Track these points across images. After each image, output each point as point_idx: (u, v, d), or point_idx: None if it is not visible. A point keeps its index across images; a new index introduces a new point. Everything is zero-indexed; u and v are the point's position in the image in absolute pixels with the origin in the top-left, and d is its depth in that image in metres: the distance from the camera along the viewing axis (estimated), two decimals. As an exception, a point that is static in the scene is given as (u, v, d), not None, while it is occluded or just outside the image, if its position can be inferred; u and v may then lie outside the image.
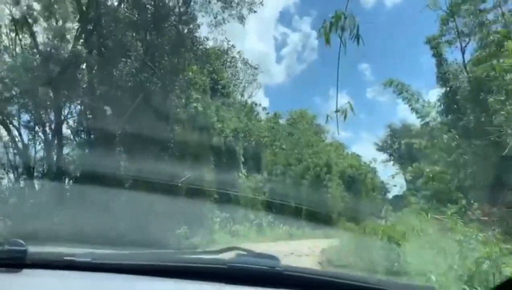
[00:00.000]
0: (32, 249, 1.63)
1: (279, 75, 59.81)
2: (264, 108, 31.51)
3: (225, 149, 19.58)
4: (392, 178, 66.26)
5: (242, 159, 21.07)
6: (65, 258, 1.63)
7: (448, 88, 17.29)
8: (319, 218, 29.65)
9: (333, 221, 33.15)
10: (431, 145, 18.97)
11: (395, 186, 67.64)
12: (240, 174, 20.70)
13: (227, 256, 1.64)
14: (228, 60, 27.87)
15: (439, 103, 17.55)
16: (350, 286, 1.54)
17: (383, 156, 64.25)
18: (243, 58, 31.16)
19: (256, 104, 30.09)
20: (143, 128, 15.37)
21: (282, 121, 34.22)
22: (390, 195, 69.70)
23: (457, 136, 14.82)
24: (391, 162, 69.96)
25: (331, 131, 40.40)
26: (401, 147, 74.47)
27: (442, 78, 17.74)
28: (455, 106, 16.77)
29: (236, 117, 21.86)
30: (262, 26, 50.08)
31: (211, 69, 21.69)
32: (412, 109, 19.30)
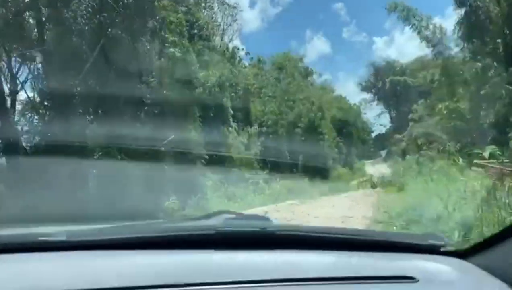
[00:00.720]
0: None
1: (253, 20, 56.27)
2: (248, 53, 28.40)
3: (211, 101, 16.82)
4: (378, 117, 65.72)
5: (231, 111, 18.37)
6: (39, 239, 1.47)
7: (468, 8, 14.48)
8: (316, 168, 27.74)
9: (331, 171, 31.37)
10: (447, 77, 16.55)
11: (381, 125, 67.43)
12: (230, 129, 18.10)
13: (215, 221, 1.55)
14: (203, -1, 24.37)
15: (458, 27, 14.80)
16: (346, 240, 1.50)
17: (367, 96, 62.99)
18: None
19: (238, 49, 26.97)
20: (110, 82, 12.49)
21: (267, 67, 31.32)
22: (377, 136, 69.82)
23: (488, 64, 12.34)
24: (375, 102, 68.94)
25: (317, 73, 37.84)
26: (385, 85, 73.00)
27: None
28: (478, 31, 14.12)
29: (221, 63, 18.89)
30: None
31: (184, 9, 18.39)
32: (421, 37, 16.77)
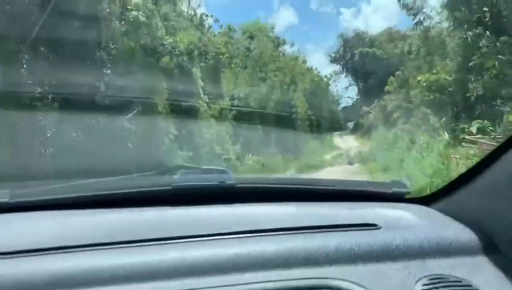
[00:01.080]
0: None
1: None
2: (217, 20, 26.76)
3: (179, 71, 15.44)
4: (346, 90, 66.02)
5: (201, 83, 17.05)
6: None
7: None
8: (289, 142, 27.00)
9: (303, 144, 30.72)
10: (428, 48, 15.78)
11: (349, 98, 67.87)
12: (200, 102, 16.83)
13: (172, 176, 1.62)
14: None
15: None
16: (307, 191, 1.50)
17: (336, 68, 62.96)
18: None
19: (207, 16, 25.29)
20: (63, 49, 10.98)
21: (236, 36, 29.79)
22: (344, 108, 70.34)
23: (477, 33, 11.55)
24: (344, 74, 69.04)
25: (289, 43, 36.62)
26: (354, 57, 72.79)
27: None
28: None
29: (189, 30, 17.38)
30: None
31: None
32: (401, 5, 15.86)
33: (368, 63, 65.67)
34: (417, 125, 15.76)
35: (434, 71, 16.20)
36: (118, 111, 11.82)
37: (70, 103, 10.56)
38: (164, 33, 13.22)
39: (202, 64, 18.57)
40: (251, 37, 29.52)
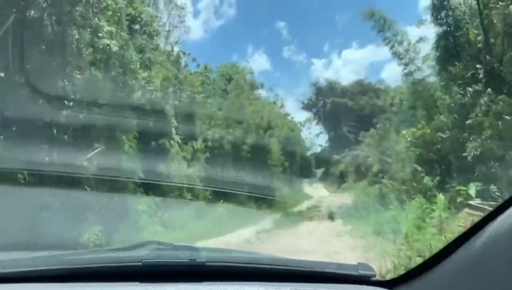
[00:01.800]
0: None
1: (196, 30, 54.52)
2: (194, 59, 25.90)
3: (151, 108, 14.16)
4: (317, 137, 66.39)
5: (174, 122, 15.76)
6: None
7: (445, 28, 13.14)
8: (262, 189, 25.67)
9: (276, 191, 29.49)
10: (416, 101, 15.18)
11: (320, 145, 68.25)
12: (171, 143, 15.46)
13: (142, 252, 1.51)
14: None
15: (434, 48, 13.40)
16: (276, 271, 1.49)
17: (308, 115, 63.69)
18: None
19: (184, 53, 24.40)
20: (21, 78, 9.58)
21: (213, 77, 28.98)
22: (312, 155, 70.48)
23: (476, 91, 10.92)
24: (315, 121, 69.74)
25: (266, 88, 36.20)
26: (326, 106, 73.92)
27: (436, 8, 13.32)
28: (456, 54, 12.80)
29: (165, 65, 16.24)
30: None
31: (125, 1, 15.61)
32: (393, 52, 15.41)
33: (340, 113, 66.75)
34: (403, 182, 14.87)
35: (420, 125, 15.58)
36: (78, 149, 10.31)
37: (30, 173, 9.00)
38: (138, 66, 11.98)
39: (176, 102, 17.36)
40: (228, 79, 28.79)
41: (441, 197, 10.20)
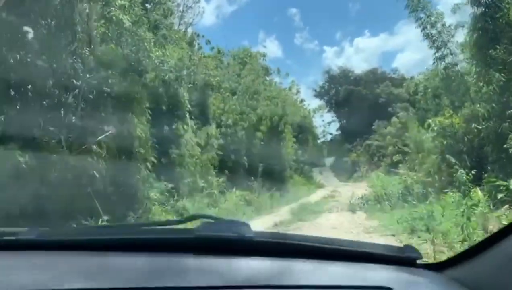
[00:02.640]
0: None
1: (208, 16, 53.83)
2: (208, 41, 25.01)
3: (165, 90, 13.40)
4: (329, 125, 65.47)
5: (188, 106, 14.98)
6: (5, 238, 1.43)
7: (482, 8, 12.06)
8: (275, 176, 24.96)
9: (289, 179, 28.75)
10: (444, 87, 14.20)
11: (330, 134, 67.43)
12: (185, 127, 14.70)
13: (194, 225, 1.47)
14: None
15: (471, 28, 12.31)
16: (323, 249, 1.49)
17: (320, 102, 63.05)
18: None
19: (198, 35, 23.52)
20: (28, 53, 8.84)
21: (226, 61, 28.09)
22: (323, 143, 69.78)
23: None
24: (326, 109, 68.83)
25: (282, 73, 35.14)
26: (339, 94, 72.63)
27: None
28: (494, 34, 11.74)
29: (180, 44, 15.39)
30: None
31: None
32: (425, 34, 14.36)
33: (353, 101, 65.50)
34: (429, 174, 13.97)
35: (447, 114, 14.65)
36: (87, 132, 9.60)
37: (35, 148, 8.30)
38: (152, 44, 11.17)
39: (190, 85, 16.56)
40: (242, 64, 27.89)
41: (478, 192, 9.35)
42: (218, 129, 19.09)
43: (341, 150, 66.02)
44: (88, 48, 9.97)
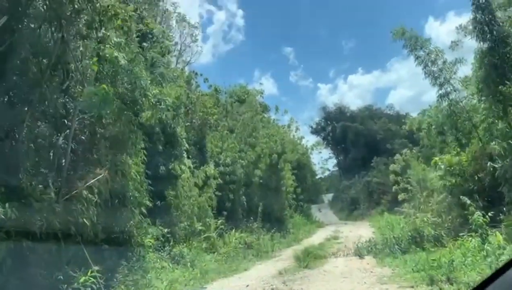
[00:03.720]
0: None
1: (205, 54, 54.57)
2: (206, 80, 24.82)
3: (162, 129, 12.89)
4: (326, 161, 64.96)
5: (186, 145, 14.41)
6: None
7: (489, 43, 11.78)
8: (274, 217, 24.14)
9: (288, 219, 27.84)
10: (450, 124, 13.81)
11: (328, 170, 66.76)
12: (183, 167, 14.07)
13: None
14: (161, 11, 20.74)
15: (477, 64, 12.02)
16: None
17: (316, 139, 63.06)
18: (180, 14, 24.20)
19: (196, 74, 23.34)
20: (14, 91, 8.34)
21: (223, 99, 27.83)
22: (325, 180, 68.91)
23: None
24: (323, 146, 68.43)
25: (280, 110, 34.93)
26: (335, 130, 72.46)
27: (479, 22, 11.94)
28: (502, 69, 11.40)
29: (178, 83, 15.00)
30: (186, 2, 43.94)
31: (135, 14, 14.47)
32: (426, 72, 14.11)
33: (350, 138, 65.27)
34: (439, 214, 13.28)
35: (454, 152, 14.13)
36: (78, 175, 8.96)
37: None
38: (148, 82, 10.71)
39: (188, 123, 16.07)
40: (240, 101, 27.65)
41: (499, 236, 8.67)
42: (216, 169, 18.47)
43: (339, 186, 65.22)
44: (81, 87, 9.48)
